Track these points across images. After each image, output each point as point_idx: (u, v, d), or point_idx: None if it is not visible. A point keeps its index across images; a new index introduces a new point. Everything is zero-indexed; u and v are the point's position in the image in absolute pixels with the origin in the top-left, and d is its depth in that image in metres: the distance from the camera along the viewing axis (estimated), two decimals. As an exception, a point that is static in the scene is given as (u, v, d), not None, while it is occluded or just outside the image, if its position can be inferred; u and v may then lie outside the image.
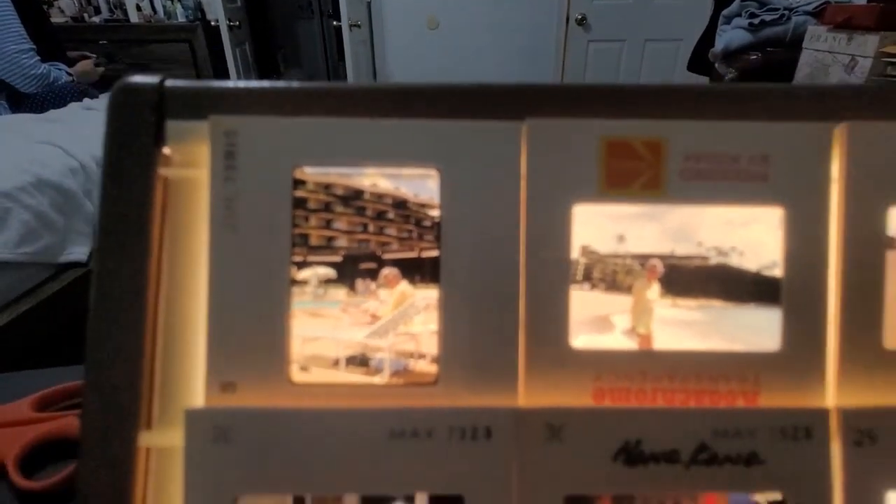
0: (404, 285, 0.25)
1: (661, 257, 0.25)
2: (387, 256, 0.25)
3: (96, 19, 3.31)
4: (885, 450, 0.24)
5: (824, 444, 0.24)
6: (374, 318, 0.25)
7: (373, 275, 0.25)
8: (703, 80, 2.39)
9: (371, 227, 0.25)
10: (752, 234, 0.25)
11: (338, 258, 0.25)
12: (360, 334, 0.25)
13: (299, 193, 0.25)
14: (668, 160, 0.25)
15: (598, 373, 0.25)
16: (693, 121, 0.25)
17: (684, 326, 0.25)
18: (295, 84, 0.25)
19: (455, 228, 0.25)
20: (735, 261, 0.25)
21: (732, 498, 0.24)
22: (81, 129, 1.66)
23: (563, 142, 0.25)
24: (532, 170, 0.25)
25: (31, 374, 0.57)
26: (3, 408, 0.48)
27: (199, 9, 3.38)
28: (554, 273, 0.25)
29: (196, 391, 0.24)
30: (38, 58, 2.03)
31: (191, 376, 0.25)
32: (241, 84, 0.25)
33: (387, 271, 0.25)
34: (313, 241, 0.25)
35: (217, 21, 3.22)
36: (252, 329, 0.24)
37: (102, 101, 2.13)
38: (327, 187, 0.25)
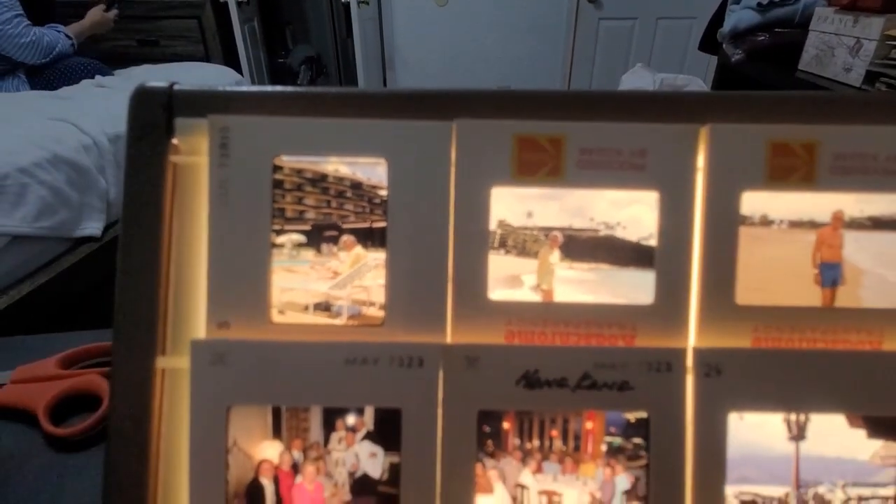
0: (359, 249, 0.32)
1: (561, 230, 0.32)
2: (345, 226, 0.32)
3: (106, -5, 3.34)
4: (728, 381, 0.31)
5: (681, 375, 0.31)
6: (336, 274, 0.32)
7: (334, 240, 0.32)
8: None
9: (333, 204, 0.32)
10: (633, 213, 0.32)
11: (307, 227, 0.32)
12: (325, 286, 0.32)
13: (278, 176, 0.32)
14: (567, 153, 0.32)
15: (510, 319, 0.32)
16: (588, 122, 0.32)
17: (578, 284, 0.32)
18: (275, 89, 0.32)
19: (399, 205, 0.32)
20: (619, 233, 0.32)
21: (608, 415, 0.32)
22: (94, 107, 1.70)
23: (484, 138, 0.32)
24: (459, 160, 0.32)
25: (54, 336, 0.64)
26: (33, 366, 0.56)
27: (209, -15, 3.40)
28: (476, 241, 0.32)
29: (199, 327, 0.32)
30: (28, 23, 1.95)
31: (195, 316, 0.32)
32: (233, 89, 0.32)
33: (345, 238, 0.32)
34: (288, 214, 0.32)
35: (226, -3, 3.25)
36: (241, 281, 0.32)
37: (115, 79, 2.15)
38: (299, 172, 0.32)
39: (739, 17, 2.12)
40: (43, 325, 1.42)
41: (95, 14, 2.24)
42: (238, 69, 3.23)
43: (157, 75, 2.11)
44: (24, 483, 0.46)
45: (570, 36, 3.67)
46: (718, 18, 2.43)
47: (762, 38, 2.02)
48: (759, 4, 2.03)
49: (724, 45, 2.26)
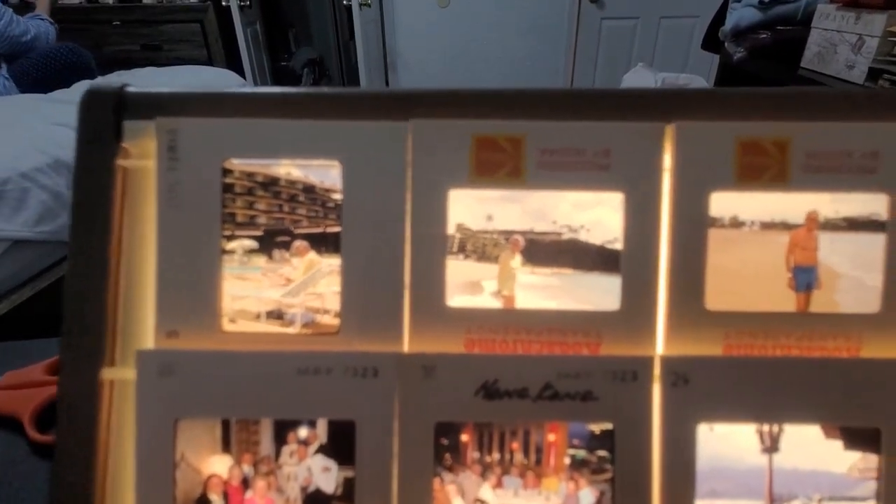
0: (312, 255, 0.31)
1: (523, 233, 0.31)
2: (298, 231, 0.31)
3: (109, 0, 3.36)
4: (696, 390, 0.30)
5: (647, 384, 0.30)
6: (288, 280, 0.31)
7: (287, 246, 0.31)
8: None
9: (285, 208, 0.31)
10: (598, 215, 0.31)
11: (259, 232, 0.31)
12: (277, 294, 0.31)
13: (228, 180, 0.31)
14: (528, 153, 0.30)
15: (469, 326, 0.31)
16: (548, 121, 0.30)
17: (541, 290, 0.31)
18: (224, 91, 0.31)
19: (353, 209, 0.31)
20: (583, 236, 0.31)
21: (572, 427, 0.30)
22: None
23: (441, 138, 0.30)
24: (415, 161, 0.30)
25: (43, 342, 0.64)
26: (20, 372, 0.55)
27: (211, -12, 3.41)
28: (434, 246, 0.31)
29: (148, 337, 0.31)
30: (19, 18, 1.95)
31: (144, 325, 0.31)
32: (181, 90, 0.31)
33: (298, 243, 0.31)
34: (239, 219, 0.31)
35: (228, 1, 3.26)
36: (191, 289, 0.31)
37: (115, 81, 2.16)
38: (250, 175, 0.31)
39: (741, 15, 2.11)
40: (44, 329, 1.42)
41: None
42: (241, 72, 3.23)
43: (157, 79, 2.12)
44: (9, 490, 0.45)
45: (572, 36, 3.65)
46: (721, 17, 2.41)
47: (764, 36, 2.00)
48: (760, 2, 2.02)
49: (725, 44, 2.24)
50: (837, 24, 1.65)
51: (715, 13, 2.49)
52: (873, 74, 1.49)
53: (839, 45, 1.66)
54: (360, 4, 3.33)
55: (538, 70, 3.78)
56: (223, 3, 3.32)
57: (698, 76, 2.23)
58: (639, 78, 2.32)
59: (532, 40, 3.75)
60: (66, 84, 2.02)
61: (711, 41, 2.52)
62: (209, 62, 3.37)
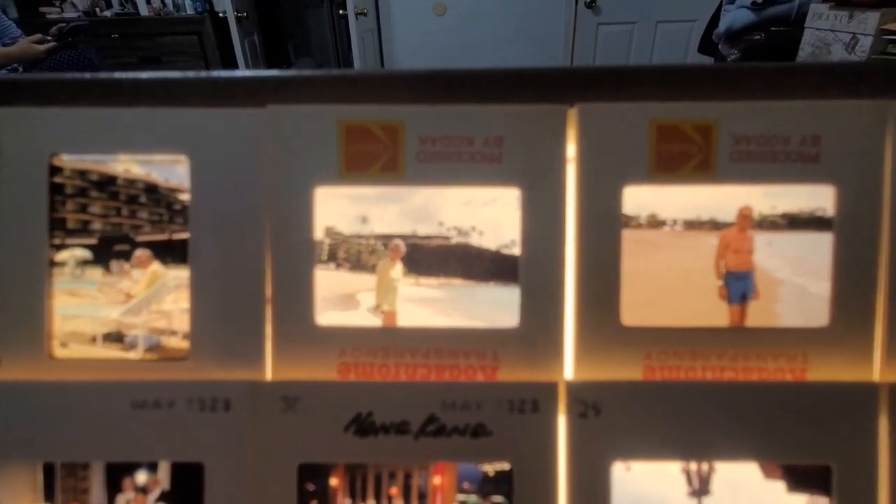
0: (156, 266, 0.26)
1: (404, 237, 0.26)
2: (139, 238, 0.26)
3: (107, 13, 3.36)
4: (609, 422, 0.25)
5: (551, 416, 0.25)
6: (129, 296, 0.26)
7: (126, 256, 0.26)
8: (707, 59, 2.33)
9: (124, 211, 0.26)
10: (491, 215, 0.26)
11: (93, 241, 0.26)
12: (116, 312, 0.26)
13: (56, 180, 0.26)
14: (405, 143, 0.26)
15: (343, 348, 0.26)
16: (428, 105, 0.26)
17: (427, 304, 0.26)
18: (51, 76, 0.26)
19: (203, 211, 0.26)
20: (475, 240, 0.26)
21: (461, 468, 0.25)
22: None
23: (303, 127, 0.26)
24: (274, 154, 0.26)
25: None
26: None
27: (208, 0, 3.41)
28: (299, 253, 0.26)
29: (-35, 365, 0.26)
30: None
31: (-39, 351, 0.26)
32: (9, 76, 0.27)
33: (139, 253, 0.26)
34: (70, 225, 0.26)
35: (225, 13, 3.25)
36: (14, 308, 0.26)
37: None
38: (83, 174, 0.26)
39: (735, 16, 2.07)
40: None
41: (27, 46, 2.02)
42: (237, 84, 3.21)
43: None
44: None
45: (569, 42, 3.61)
46: (716, 20, 2.38)
47: (758, 37, 1.97)
48: (753, 4, 1.98)
49: (720, 46, 2.21)
50: (831, 24, 1.63)
51: (710, 16, 2.45)
52: (869, 72, 1.44)
53: (833, 44, 1.62)
54: (357, 14, 3.31)
55: (535, 76, 3.74)
56: (220, 15, 3.31)
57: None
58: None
59: (529, 47, 3.72)
60: None
61: (708, 44, 2.48)
62: (206, 74, 3.36)
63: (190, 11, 3.44)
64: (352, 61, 3.70)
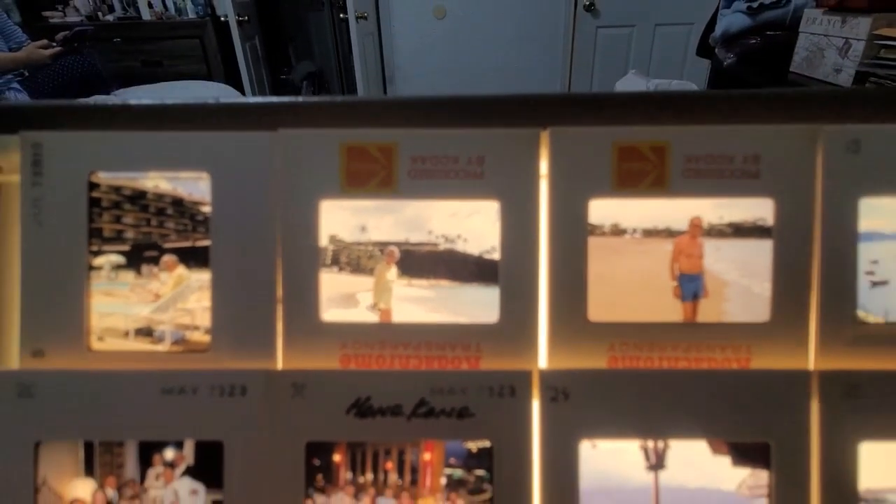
0: (181, 269, 0.30)
1: (398, 244, 0.30)
2: (166, 245, 0.30)
3: (110, 17, 3.40)
4: (577, 405, 0.29)
5: (526, 400, 0.29)
6: (157, 296, 0.30)
7: (155, 261, 0.30)
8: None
9: (153, 222, 0.30)
10: (474, 224, 0.30)
11: (126, 247, 0.30)
12: (146, 310, 0.30)
13: (94, 194, 0.30)
14: (399, 162, 0.29)
15: (345, 341, 0.30)
16: (419, 129, 0.29)
17: (418, 302, 0.30)
18: (89, 104, 0.30)
19: (222, 222, 0.30)
20: (460, 247, 0.30)
21: (448, 445, 0.29)
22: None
23: (309, 148, 0.30)
24: (284, 172, 0.30)
25: None
26: None
27: (209, 4, 3.44)
28: (306, 258, 0.30)
29: (14, 356, 0.30)
30: None
31: (9, 345, 0.30)
32: (45, 104, 0.30)
33: (166, 258, 0.30)
34: (106, 234, 0.30)
35: (226, 16, 3.28)
36: (57, 306, 0.30)
37: (118, 98, 2.17)
38: (117, 189, 0.30)
39: (730, 20, 2.09)
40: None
41: (32, 50, 2.09)
42: (240, 87, 3.25)
43: (171, 93, 2.13)
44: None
45: (568, 45, 3.64)
46: (713, 24, 2.40)
47: (753, 41, 1.99)
48: (749, 8, 2.00)
49: (716, 50, 2.23)
50: (824, 28, 1.64)
51: (707, 20, 2.47)
52: (861, 77, 1.47)
53: (826, 49, 1.64)
54: (357, 17, 3.34)
55: (535, 79, 3.78)
56: (222, 19, 3.35)
57: (691, 83, 2.21)
58: (631, 85, 2.31)
59: (528, 50, 3.74)
60: (81, 97, 2.03)
61: (705, 48, 2.50)
62: (209, 77, 3.40)
63: (192, 15, 3.47)
64: (352, 65, 3.73)
